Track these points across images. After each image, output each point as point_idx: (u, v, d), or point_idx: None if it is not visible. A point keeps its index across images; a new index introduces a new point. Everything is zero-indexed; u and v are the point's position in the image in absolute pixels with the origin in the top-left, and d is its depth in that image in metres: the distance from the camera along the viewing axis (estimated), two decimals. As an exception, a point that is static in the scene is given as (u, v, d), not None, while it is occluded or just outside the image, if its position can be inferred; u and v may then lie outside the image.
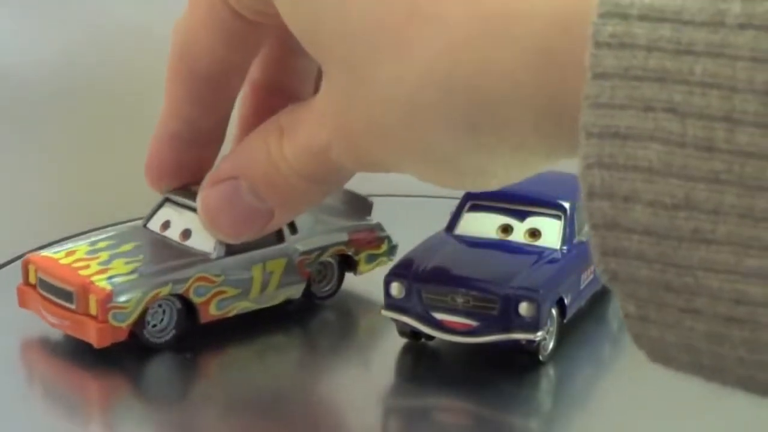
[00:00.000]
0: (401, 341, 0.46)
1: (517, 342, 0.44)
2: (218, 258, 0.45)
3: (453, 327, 0.44)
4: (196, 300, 0.45)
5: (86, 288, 0.44)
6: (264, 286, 0.47)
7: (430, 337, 0.45)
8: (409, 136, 0.35)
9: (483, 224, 0.47)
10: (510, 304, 0.43)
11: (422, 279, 0.44)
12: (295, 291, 0.48)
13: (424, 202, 0.53)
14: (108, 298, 0.43)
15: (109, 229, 0.48)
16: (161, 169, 0.45)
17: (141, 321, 0.44)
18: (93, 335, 0.43)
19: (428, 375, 0.45)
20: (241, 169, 0.42)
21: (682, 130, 0.25)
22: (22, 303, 0.46)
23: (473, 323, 0.44)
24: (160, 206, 0.47)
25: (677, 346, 0.27)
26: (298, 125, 0.40)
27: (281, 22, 0.38)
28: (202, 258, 0.45)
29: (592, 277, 0.48)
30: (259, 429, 0.43)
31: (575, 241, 0.47)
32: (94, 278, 0.44)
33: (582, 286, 0.47)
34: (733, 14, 0.24)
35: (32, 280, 0.46)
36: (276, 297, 0.47)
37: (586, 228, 0.47)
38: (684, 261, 0.25)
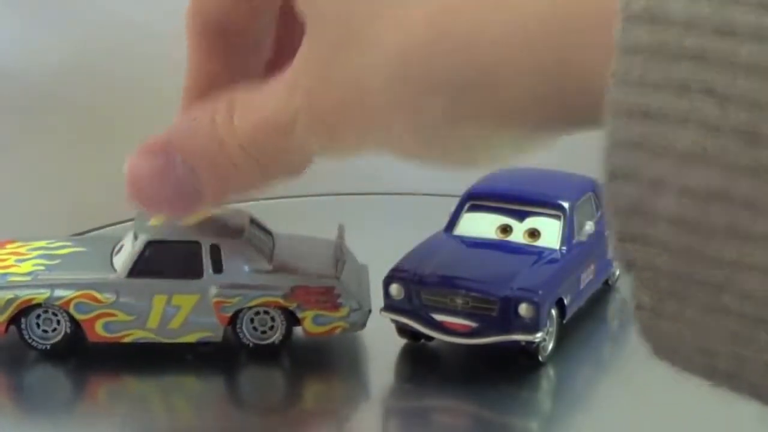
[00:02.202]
0: (401, 342, 0.46)
1: (516, 343, 0.43)
2: (116, 279, 0.44)
3: (452, 328, 0.44)
4: (78, 316, 0.44)
5: None
6: (166, 320, 0.44)
7: (430, 338, 0.45)
8: (396, 98, 0.33)
9: (482, 224, 0.47)
10: (509, 305, 0.43)
11: (421, 280, 0.44)
12: (211, 334, 0.45)
13: (424, 201, 0.52)
14: None
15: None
16: None
17: (18, 321, 0.44)
18: None
19: (428, 376, 0.45)
20: (178, 141, 0.39)
21: (722, 113, 0.23)
22: None
23: (473, 324, 0.44)
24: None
25: (692, 344, 0.25)
26: (258, 98, 0.37)
27: None
28: (101, 276, 0.44)
29: (591, 277, 0.47)
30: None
31: (574, 241, 0.46)
32: None
33: (581, 287, 0.47)
34: None
35: None
36: (183, 334, 0.44)
37: (586, 228, 0.47)
38: (715, 255, 0.24)
